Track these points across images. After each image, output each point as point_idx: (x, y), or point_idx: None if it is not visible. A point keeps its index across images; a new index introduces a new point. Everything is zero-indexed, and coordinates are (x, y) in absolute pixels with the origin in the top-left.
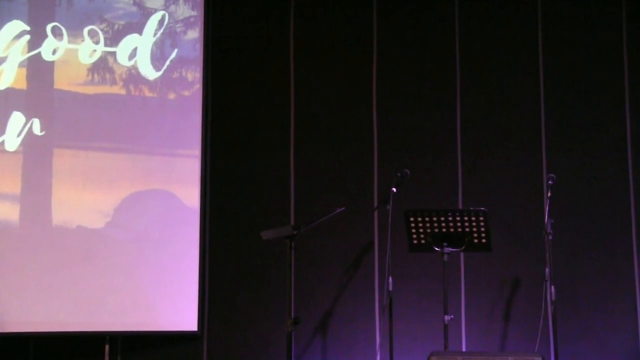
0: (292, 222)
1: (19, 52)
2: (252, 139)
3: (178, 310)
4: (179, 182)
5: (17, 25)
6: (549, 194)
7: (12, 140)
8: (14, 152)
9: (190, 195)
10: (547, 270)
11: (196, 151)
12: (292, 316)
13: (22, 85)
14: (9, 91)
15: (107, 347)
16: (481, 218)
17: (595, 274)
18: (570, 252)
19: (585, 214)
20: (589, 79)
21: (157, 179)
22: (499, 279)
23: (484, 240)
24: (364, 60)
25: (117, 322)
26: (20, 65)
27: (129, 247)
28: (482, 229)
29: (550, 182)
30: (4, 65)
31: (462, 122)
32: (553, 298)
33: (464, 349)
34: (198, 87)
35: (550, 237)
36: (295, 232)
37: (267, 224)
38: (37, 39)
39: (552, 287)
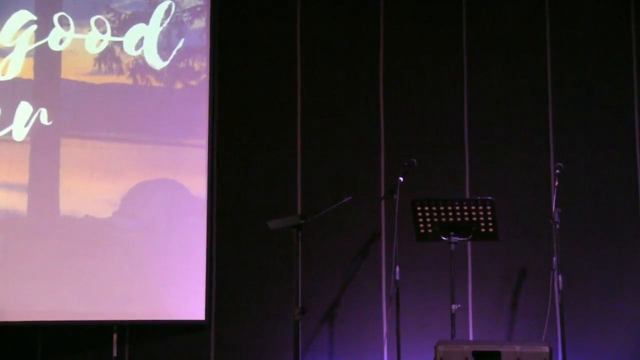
0: (299, 212)
1: (26, 42)
2: (259, 128)
3: (185, 299)
4: (186, 172)
5: (24, 15)
6: (557, 183)
7: (20, 130)
8: (22, 142)
9: (197, 185)
10: (554, 259)
11: (203, 141)
12: (299, 305)
13: (30, 75)
14: (16, 81)
15: (115, 336)
16: (488, 207)
17: (602, 263)
18: (578, 241)
19: (593, 203)
20: (596, 68)
21: (164, 169)
22: (506, 268)
23: (491, 230)
24: (372, 49)
25: (125, 311)
26: (28, 55)
27: (136, 236)
28: (489, 218)
29: (557, 171)
30: (11, 55)
31: (469, 111)
32: (560, 287)
33: (471, 338)
34: (205, 77)
35: (558, 227)
36: (302, 221)
37: (274, 213)
38: (44, 28)
39: (560, 276)
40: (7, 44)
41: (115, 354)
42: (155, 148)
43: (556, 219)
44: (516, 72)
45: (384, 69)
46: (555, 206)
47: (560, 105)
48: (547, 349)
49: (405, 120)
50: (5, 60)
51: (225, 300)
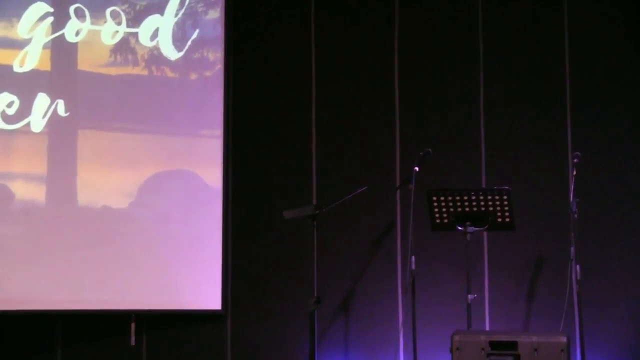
0: (315, 202)
1: (43, 34)
2: (273, 118)
3: (202, 289)
4: (202, 162)
5: (40, 7)
6: (574, 173)
7: (38, 122)
8: (40, 133)
9: (212, 175)
10: (572, 249)
11: (218, 131)
12: (315, 295)
13: (47, 66)
14: (34, 73)
15: (133, 325)
16: (504, 197)
17: (620, 253)
18: (596, 231)
19: (611, 193)
20: (613, 59)
21: (180, 159)
22: (523, 258)
23: (507, 219)
24: (387, 38)
25: (143, 300)
26: (45, 46)
27: (153, 226)
28: (506, 208)
29: (575, 160)
30: (28, 47)
31: (486, 101)
32: (578, 277)
33: (487, 329)
34: (219, 67)
35: (576, 216)
36: (317, 211)
37: (290, 203)
38: (60, 20)
39: (577, 266)
40: (25, 36)
41: (133, 342)
42: (171, 139)
43: (574, 208)
44: (534, 62)
45: (400, 59)
46: (573, 196)
47: (579, 96)
48: (564, 339)
49: (421, 110)
50: (22, 52)
51: (241, 291)
